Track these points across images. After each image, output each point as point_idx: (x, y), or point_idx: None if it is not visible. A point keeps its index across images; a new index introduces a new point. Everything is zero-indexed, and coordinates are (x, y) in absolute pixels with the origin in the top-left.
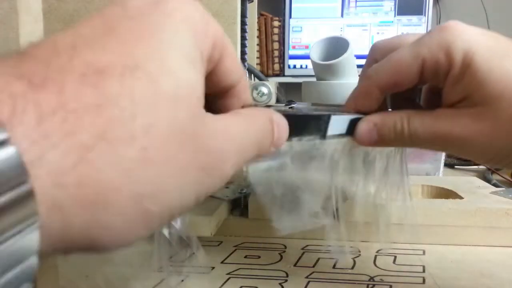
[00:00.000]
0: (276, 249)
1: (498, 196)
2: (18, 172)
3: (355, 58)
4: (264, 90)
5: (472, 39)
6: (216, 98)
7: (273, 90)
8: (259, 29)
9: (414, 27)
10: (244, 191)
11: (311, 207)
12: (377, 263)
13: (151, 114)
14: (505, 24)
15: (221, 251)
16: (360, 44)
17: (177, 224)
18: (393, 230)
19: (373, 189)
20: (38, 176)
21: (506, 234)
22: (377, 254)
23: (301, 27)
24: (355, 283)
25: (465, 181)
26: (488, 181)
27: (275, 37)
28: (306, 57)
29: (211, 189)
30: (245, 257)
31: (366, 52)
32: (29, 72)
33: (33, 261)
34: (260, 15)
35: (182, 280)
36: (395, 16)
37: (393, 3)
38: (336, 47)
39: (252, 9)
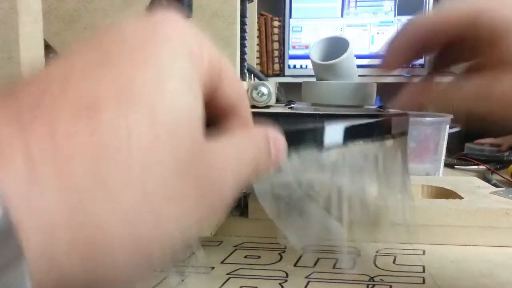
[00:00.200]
0: (276, 249)
1: (498, 196)
2: (5, 230)
3: (355, 58)
4: (264, 90)
5: None
6: (216, 118)
7: (273, 90)
8: (259, 29)
9: None
10: (244, 191)
11: (319, 217)
12: (377, 263)
13: (151, 151)
14: None
15: (221, 251)
16: (360, 44)
17: None
18: (393, 230)
19: (374, 189)
20: (28, 232)
21: (506, 234)
22: (377, 254)
23: (301, 27)
24: (355, 283)
25: (465, 181)
26: (488, 181)
27: (275, 37)
28: (306, 57)
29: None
30: (245, 257)
31: (366, 52)
32: (18, 112)
33: None
34: (260, 15)
35: (182, 280)
36: (395, 16)
37: (393, 3)
38: (336, 47)
39: (252, 9)
